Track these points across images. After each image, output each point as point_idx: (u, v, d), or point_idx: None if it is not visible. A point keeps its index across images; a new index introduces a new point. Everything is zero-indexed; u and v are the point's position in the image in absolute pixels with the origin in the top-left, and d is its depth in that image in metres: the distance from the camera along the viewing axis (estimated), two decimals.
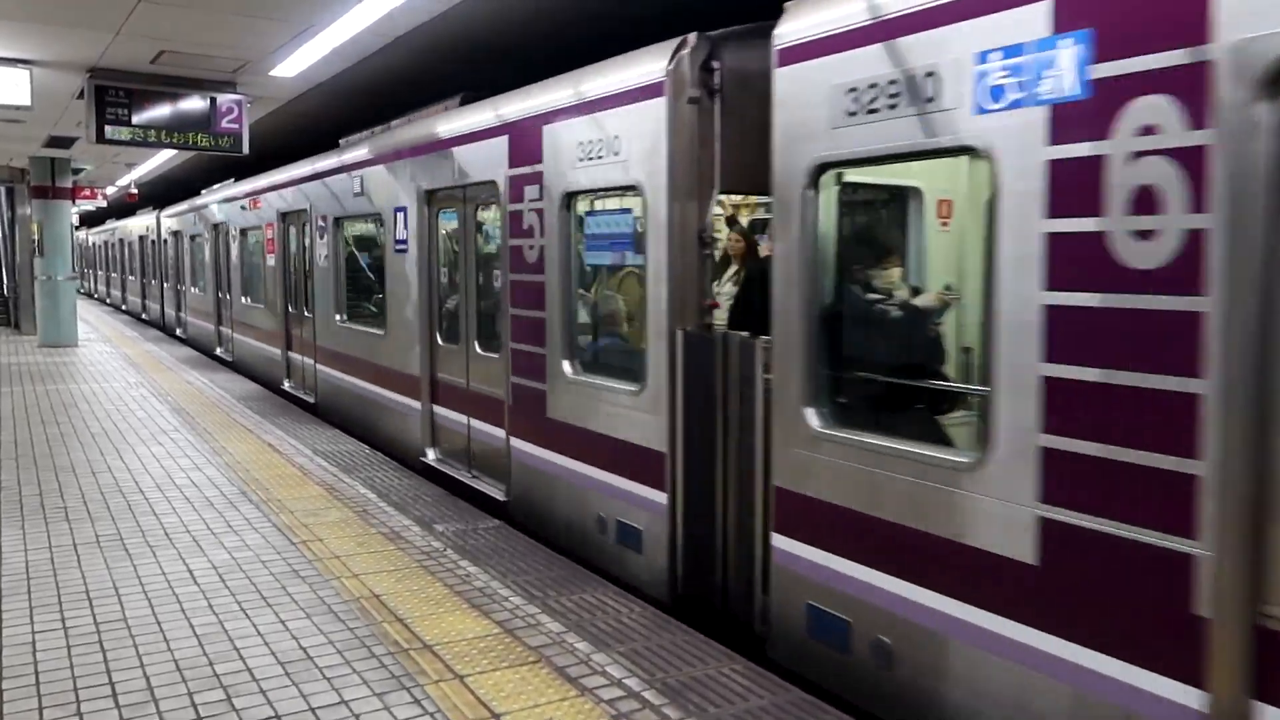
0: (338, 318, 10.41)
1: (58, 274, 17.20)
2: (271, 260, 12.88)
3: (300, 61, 8.84)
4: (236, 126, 9.87)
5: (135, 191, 22.57)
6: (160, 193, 24.03)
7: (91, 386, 12.28)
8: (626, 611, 4.85)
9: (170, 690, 3.84)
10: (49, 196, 17.28)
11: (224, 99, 9.77)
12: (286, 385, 12.55)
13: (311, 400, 11.36)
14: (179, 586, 5.03)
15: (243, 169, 15.02)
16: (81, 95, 9.64)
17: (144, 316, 25.92)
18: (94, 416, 10.06)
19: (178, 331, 20.51)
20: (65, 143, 15.01)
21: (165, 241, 21.75)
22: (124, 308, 30.48)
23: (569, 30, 7.71)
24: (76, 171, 18.57)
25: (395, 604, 4.78)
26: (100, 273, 38.54)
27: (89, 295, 39.87)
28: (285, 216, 12.23)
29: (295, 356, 12.38)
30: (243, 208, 14.13)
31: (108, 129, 9.32)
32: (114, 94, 9.31)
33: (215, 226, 16.12)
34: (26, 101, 9.29)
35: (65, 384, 12.50)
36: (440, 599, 4.86)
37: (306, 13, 7.31)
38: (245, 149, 9.96)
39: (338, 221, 10.28)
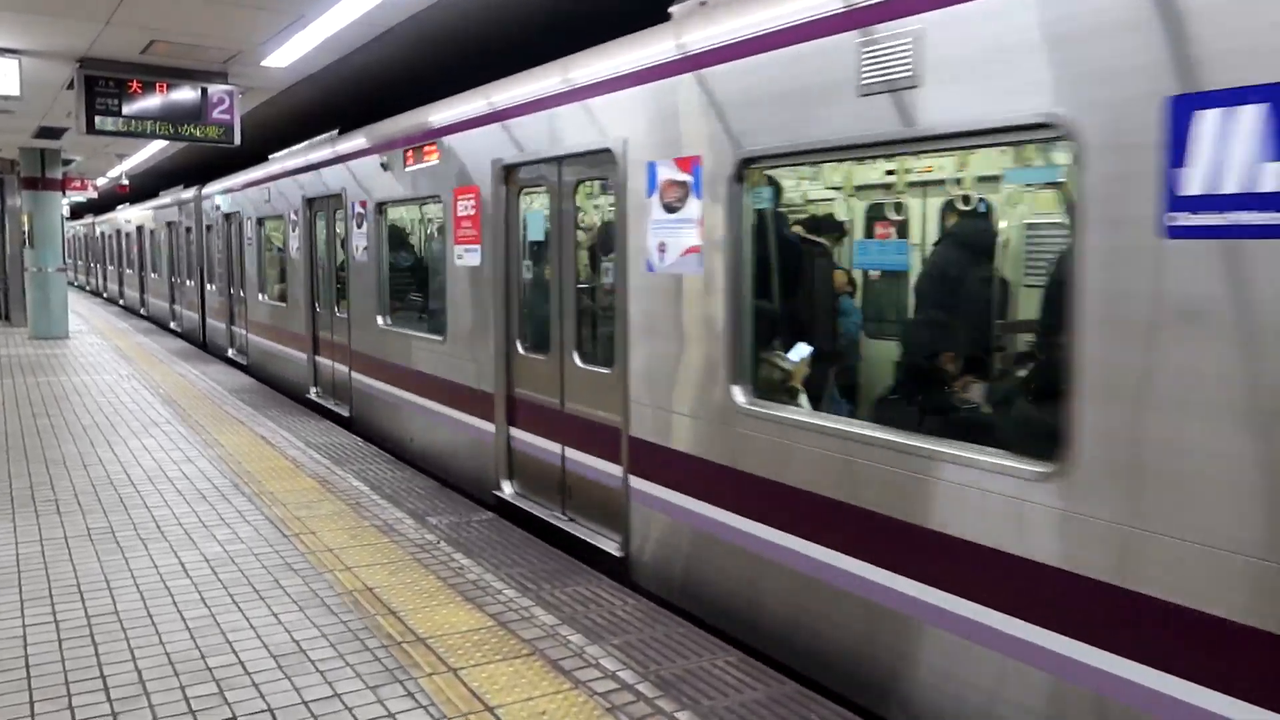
0: (740, 402, 4.49)
1: (48, 266, 17.09)
2: (470, 256, 6.92)
3: (292, 52, 8.80)
4: (228, 117, 9.81)
5: (126, 183, 22.38)
6: (195, 167, 19.75)
7: (83, 379, 12.22)
8: (620, 604, 4.85)
9: (162, 683, 3.82)
10: (39, 188, 17.16)
11: (215, 90, 9.72)
12: (509, 492, 6.67)
13: (630, 558, 5.38)
14: (171, 579, 5.01)
15: (347, 119, 10.46)
16: (71, 85, 9.57)
17: (173, 325, 20.12)
18: (85, 409, 10.01)
19: (230, 352, 15.04)
20: (55, 133, 14.93)
21: (209, 229, 16.13)
22: (143, 312, 24.31)
23: (561, 20, 7.68)
24: (67, 163, 18.46)
25: (388, 597, 4.77)
26: (111, 268, 31.42)
27: (97, 294, 34.46)
28: (513, 173, 6.42)
29: (539, 446, 6.33)
30: (384, 166, 8.34)
31: (98, 120, 9.27)
32: (104, 84, 9.25)
33: (310, 203, 10.76)
34: (15, 91, 9.24)
35: (56, 376, 12.44)
36: (433, 592, 4.85)
37: (298, 2, 7.27)
38: (237, 140, 9.91)
39: (745, 171, 4.46)
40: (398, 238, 9.30)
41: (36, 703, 3.66)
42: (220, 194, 15.05)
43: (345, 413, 9.88)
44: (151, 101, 9.49)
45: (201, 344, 17.02)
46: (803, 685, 3.98)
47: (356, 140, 9.20)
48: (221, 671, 3.93)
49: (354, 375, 9.60)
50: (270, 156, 12.47)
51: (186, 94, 9.64)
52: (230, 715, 3.57)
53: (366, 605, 4.66)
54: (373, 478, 7.34)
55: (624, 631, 4.48)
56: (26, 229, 17.25)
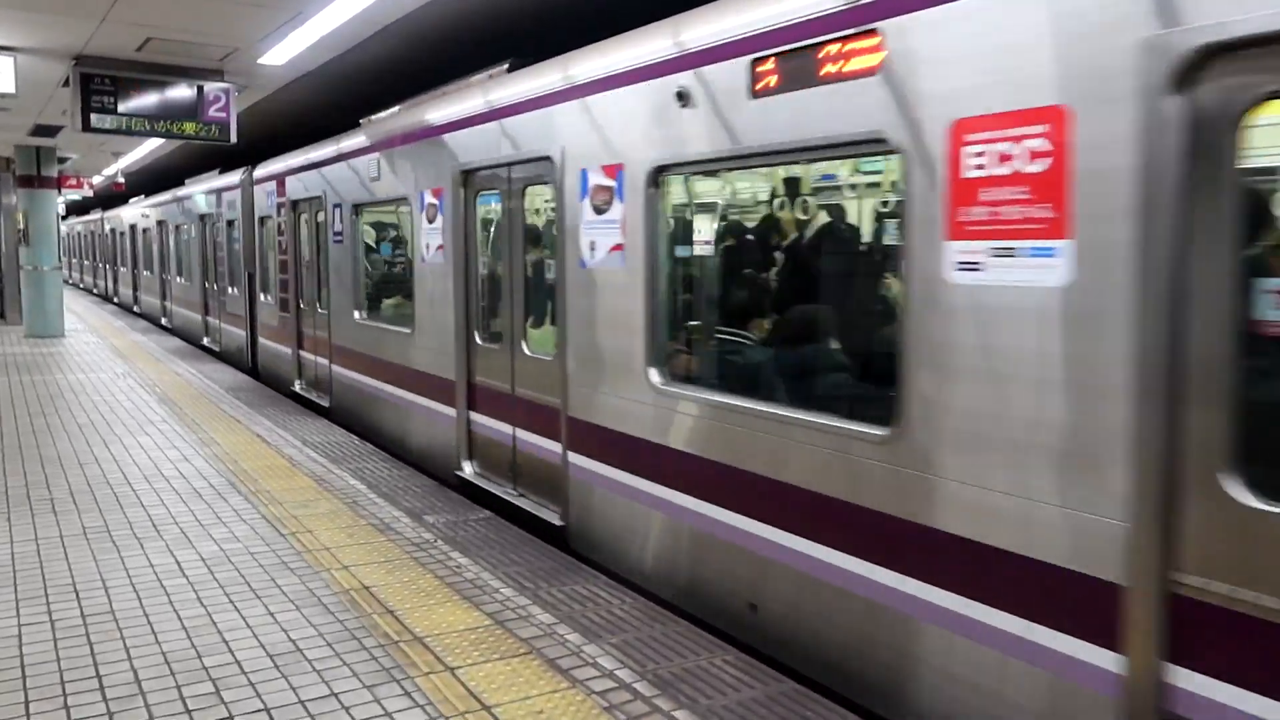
0: None
1: (44, 264, 17.06)
2: (1016, 267, 3.22)
3: (288, 49, 8.77)
4: (224, 115, 9.79)
5: (122, 181, 22.30)
6: (199, 161, 17.01)
7: (78, 377, 12.19)
8: (618, 603, 4.84)
9: (158, 683, 3.81)
10: (34, 186, 17.14)
11: (211, 87, 9.69)
12: None
13: None
14: (167, 579, 4.99)
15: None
16: (67, 83, 9.55)
17: (206, 341, 16.50)
18: (81, 407, 9.99)
19: (298, 386, 11.54)
20: (51, 131, 14.89)
21: (262, 222, 12.73)
22: (165, 323, 20.68)
23: (558, 17, 7.67)
24: (62, 160, 18.43)
25: (385, 596, 4.76)
26: (123, 270, 27.36)
27: (107, 299, 30.35)
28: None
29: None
30: (681, 98, 4.74)
31: (94, 117, 9.24)
32: (100, 82, 9.23)
33: (467, 177, 7.05)
34: (11, 89, 9.22)
35: (51, 375, 12.41)
36: (431, 591, 4.84)
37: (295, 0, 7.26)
38: (233, 138, 9.88)
39: None
40: (714, 228, 5.55)
41: (32, 702, 3.64)
42: (285, 176, 11.41)
43: (553, 518, 6.09)
44: (147, 99, 9.46)
45: (250, 369, 13.46)
46: None
47: (584, 66, 5.60)
48: (218, 671, 3.92)
49: (574, 461, 5.82)
50: (363, 121, 9.26)
51: (182, 91, 9.61)
52: (226, 715, 3.56)
53: (363, 604, 4.65)
54: (370, 476, 7.32)
55: (621, 630, 4.48)
56: (22, 227, 17.23)
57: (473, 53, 8.84)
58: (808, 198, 5.28)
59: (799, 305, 5.25)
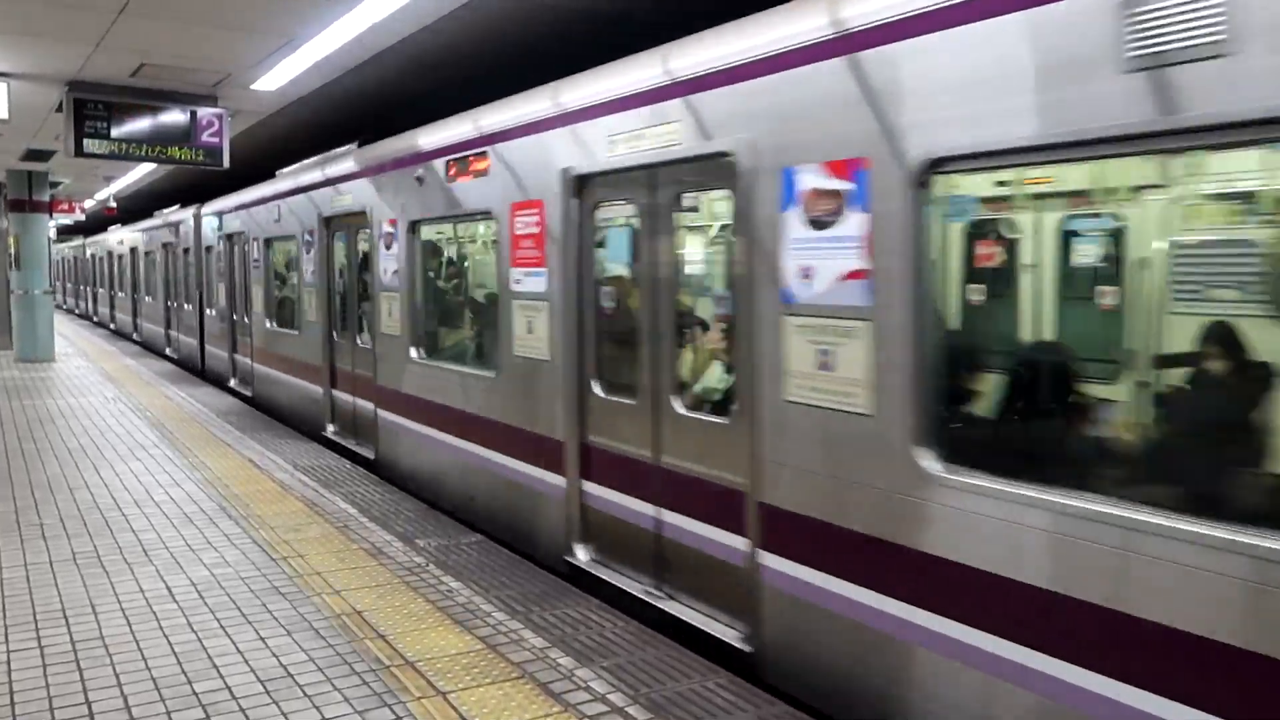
0: None
1: (34, 288, 17.04)
2: None
3: (282, 75, 8.83)
4: (217, 140, 9.81)
5: (114, 205, 22.25)
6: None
7: (68, 401, 12.15)
8: (610, 626, 4.84)
9: (148, 709, 3.79)
10: (26, 210, 17.14)
11: (205, 112, 9.72)
12: None
13: None
14: (157, 604, 4.97)
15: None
16: (60, 108, 9.57)
17: (290, 421, 11.25)
18: (71, 432, 9.95)
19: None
20: (43, 156, 14.91)
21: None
22: (230, 385, 14.31)
23: (552, 44, 7.74)
24: (54, 185, 18.43)
25: (377, 620, 4.74)
26: (144, 299, 21.95)
27: (129, 339, 23.74)
28: None
29: None
30: None
31: (86, 142, 9.26)
32: (93, 107, 9.25)
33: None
34: (4, 114, 9.23)
35: (42, 399, 12.36)
36: (422, 615, 4.83)
37: (288, 26, 7.31)
38: (226, 163, 9.91)
39: None
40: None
41: None
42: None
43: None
44: (140, 124, 9.49)
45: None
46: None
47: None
48: (208, 697, 3.90)
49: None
50: None
51: (175, 117, 9.64)
52: None
53: (355, 629, 4.63)
54: (361, 500, 7.31)
55: (614, 654, 4.47)
56: (13, 251, 17.21)
57: (467, 78, 8.91)
58: None
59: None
